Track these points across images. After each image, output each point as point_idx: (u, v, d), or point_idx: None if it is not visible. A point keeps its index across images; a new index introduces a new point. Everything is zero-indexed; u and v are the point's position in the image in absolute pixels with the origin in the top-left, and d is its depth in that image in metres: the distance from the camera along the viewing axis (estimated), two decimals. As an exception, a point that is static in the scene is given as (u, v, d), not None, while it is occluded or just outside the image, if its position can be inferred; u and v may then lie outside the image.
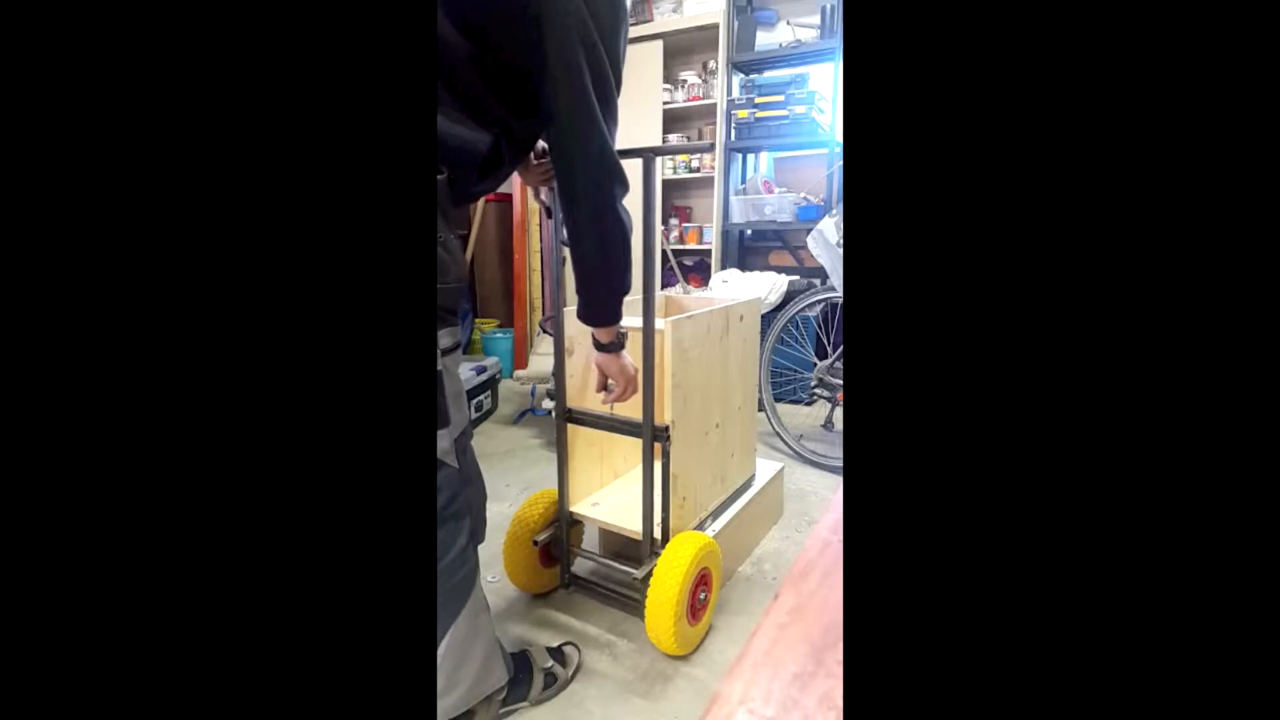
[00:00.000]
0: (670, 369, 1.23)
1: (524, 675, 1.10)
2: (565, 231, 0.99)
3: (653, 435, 1.23)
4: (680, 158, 3.46)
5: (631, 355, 1.17)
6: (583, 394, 1.40)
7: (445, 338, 0.90)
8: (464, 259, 1.24)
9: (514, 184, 3.21)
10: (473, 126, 0.88)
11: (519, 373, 3.14)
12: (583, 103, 0.87)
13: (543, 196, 1.26)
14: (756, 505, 1.62)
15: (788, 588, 0.60)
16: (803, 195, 3.10)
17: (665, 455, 1.25)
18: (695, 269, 3.52)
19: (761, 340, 2.11)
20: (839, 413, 2.29)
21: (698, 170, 3.44)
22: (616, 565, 1.36)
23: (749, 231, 3.43)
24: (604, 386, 1.20)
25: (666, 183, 3.49)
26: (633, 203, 0.96)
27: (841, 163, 2.81)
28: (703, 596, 1.25)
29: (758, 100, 3.06)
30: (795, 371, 2.49)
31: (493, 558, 1.42)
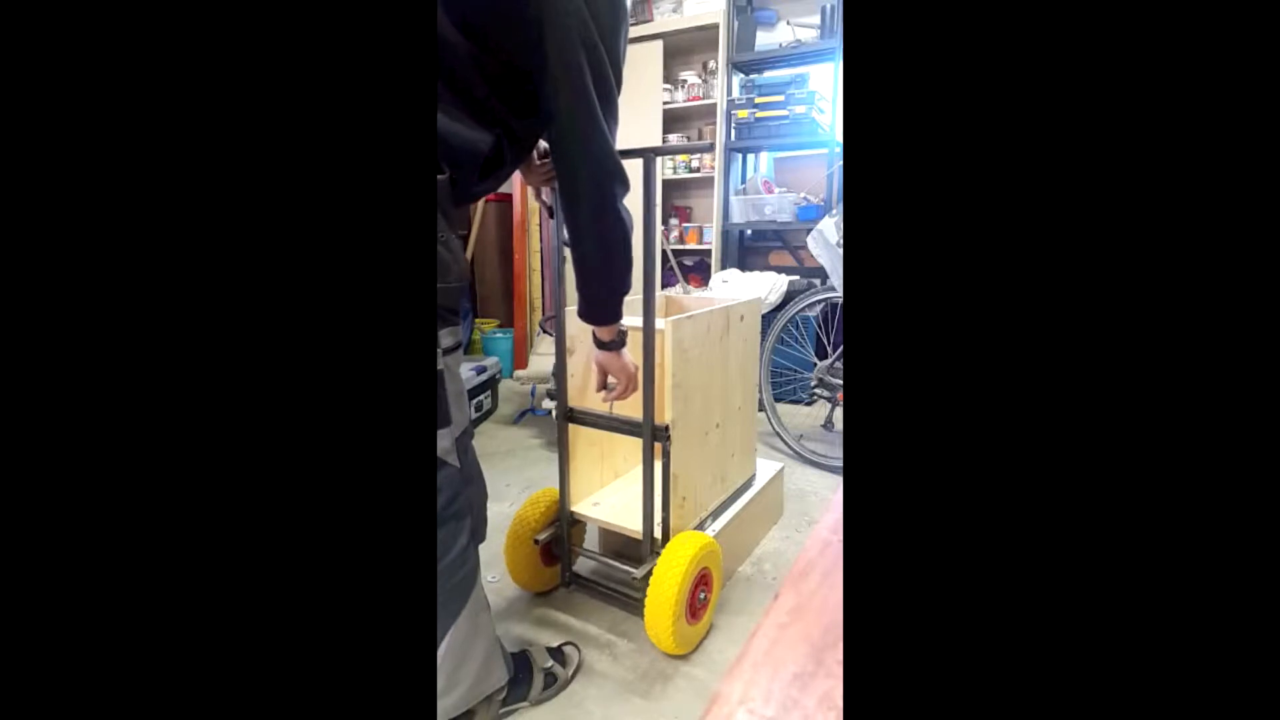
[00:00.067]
0: (671, 369, 1.23)
1: (524, 675, 1.10)
2: (566, 231, 0.99)
3: (653, 435, 1.23)
4: (680, 158, 3.46)
5: (632, 355, 1.17)
6: (583, 393, 1.40)
7: (446, 337, 0.90)
8: (465, 259, 1.23)
9: (514, 184, 3.21)
10: (474, 126, 0.88)
11: (519, 373, 3.14)
12: (583, 102, 0.87)
13: (544, 196, 1.26)
14: (756, 505, 1.63)
15: (788, 588, 0.60)
16: (803, 195, 3.10)
17: (665, 455, 1.25)
18: (695, 269, 3.52)
19: (761, 340, 2.11)
20: (839, 413, 2.29)
21: (698, 170, 3.44)
22: (617, 564, 1.36)
23: (749, 231, 3.43)
24: (604, 385, 1.20)
25: (666, 183, 3.49)
26: (633, 203, 0.96)
27: (841, 163, 2.81)
28: (703, 596, 1.25)
29: (758, 100, 3.06)
30: (795, 371, 2.48)
31: (493, 557, 1.42)
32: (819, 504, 1.89)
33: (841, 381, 2.17)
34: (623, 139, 0.94)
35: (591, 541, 1.56)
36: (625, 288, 1.05)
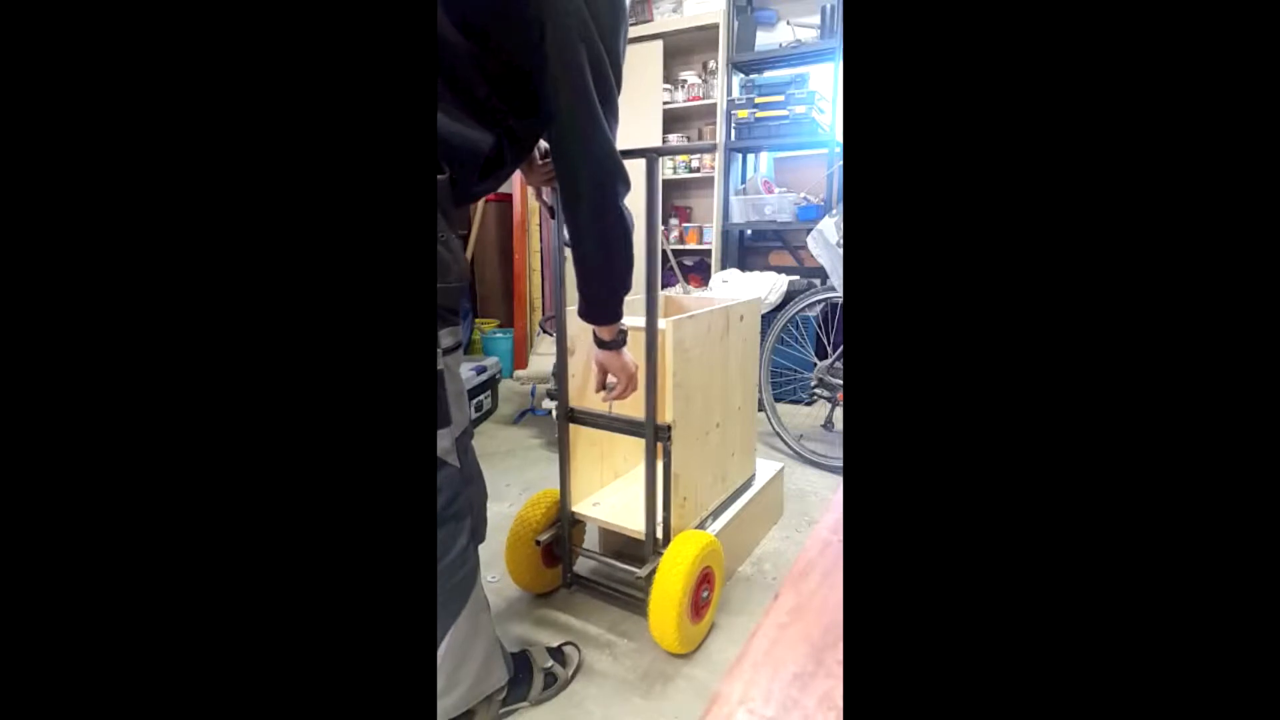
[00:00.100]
0: (672, 368, 1.23)
1: (524, 675, 1.10)
2: (567, 231, 0.99)
3: (655, 435, 1.23)
4: (680, 158, 3.46)
5: (633, 355, 1.17)
6: (584, 393, 1.40)
7: (446, 337, 0.90)
8: (465, 259, 1.23)
9: (514, 184, 3.21)
10: (474, 126, 0.88)
11: (519, 373, 3.14)
12: (584, 102, 0.87)
13: (544, 196, 1.26)
14: (756, 505, 1.63)
15: (788, 588, 0.60)
16: (803, 195, 3.10)
17: (667, 455, 1.25)
18: (695, 269, 3.52)
19: (761, 340, 2.11)
20: (839, 413, 2.29)
21: (698, 170, 3.44)
22: (619, 564, 1.36)
23: (749, 231, 3.43)
24: (604, 385, 1.20)
25: (666, 183, 3.49)
26: (635, 203, 0.96)
27: (841, 163, 2.81)
28: (705, 595, 1.25)
29: (758, 100, 3.06)
30: (795, 371, 2.48)
31: (493, 557, 1.42)
32: (819, 504, 1.89)
33: (841, 381, 2.17)
34: (623, 139, 0.94)
35: (591, 542, 1.56)
36: (626, 287, 1.05)
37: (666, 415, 1.25)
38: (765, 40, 3.19)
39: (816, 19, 3.02)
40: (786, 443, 2.24)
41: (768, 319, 2.28)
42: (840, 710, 0.45)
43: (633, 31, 3.10)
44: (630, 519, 1.36)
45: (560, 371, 1.32)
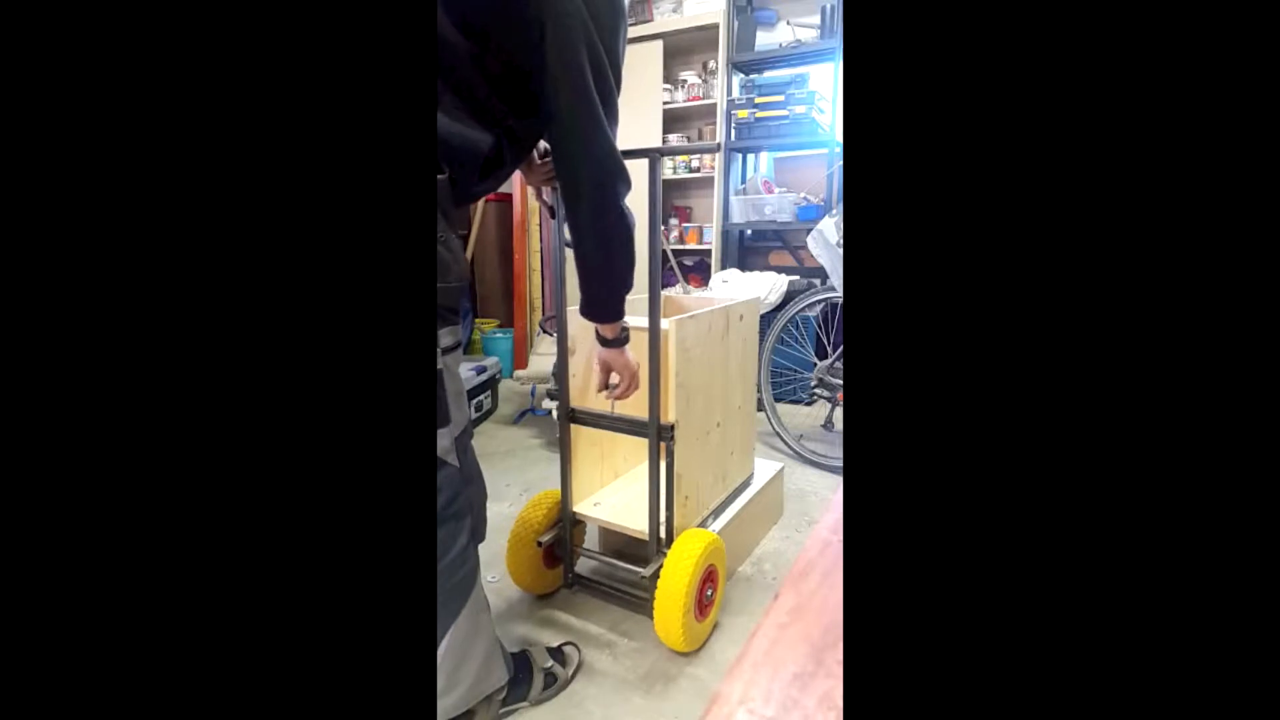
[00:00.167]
0: (674, 368, 1.23)
1: (524, 675, 1.10)
2: (568, 230, 0.99)
3: (658, 434, 1.23)
4: (680, 158, 3.46)
5: (634, 355, 1.17)
6: (585, 393, 1.40)
7: (446, 337, 0.90)
8: (465, 258, 1.23)
9: (514, 184, 3.21)
10: (474, 126, 0.88)
11: (519, 373, 3.14)
12: (585, 102, 0.87)
13: (544, 196, 1.26)
14: (757, 505, 1.63)
15: (788, 588, 0.60)
16: (803, 195, 3.10)
17: (669, 454, 1.25)
18: (695, 269, 3.52)
19: (761, 340, 2.11)
20: (839, 413, 2.29)
21: (698, 170, 3.44)
22: (621, 564, 1.36)
23: (749, 231, 3.43)
24: (606, 384, 1.20)
25: (666, 183, 3.49)
26: (637, 203, 0.96)
27: (841, 163, 2.81)
28: (709, 593, 1.25)
29: (758, 100, 3.06)
30: (795, 371, 2.48)
31: (493, 557, 1.42)
32: (819, 504, 1.89)
33: (841, 381, 2.17)
34: (623, 139, 0.94)
35: (591, 541, 1.56)
36: (627, 286, 1.05)
37: (669, 415, 1.25)
38: (765, 40, 3.19)
39: (816, 19, 3.02)
40: (786, 443, 2.24)
41: (768, 319, 2.28)
42: (840, 710, 0.45)
43: (633, 31, 3.10)
44: (632, 519, 1.36)
45: (561, 371, 1.32)
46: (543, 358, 3.15)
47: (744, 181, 3.35)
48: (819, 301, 2.22)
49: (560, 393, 1.33)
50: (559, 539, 1.39)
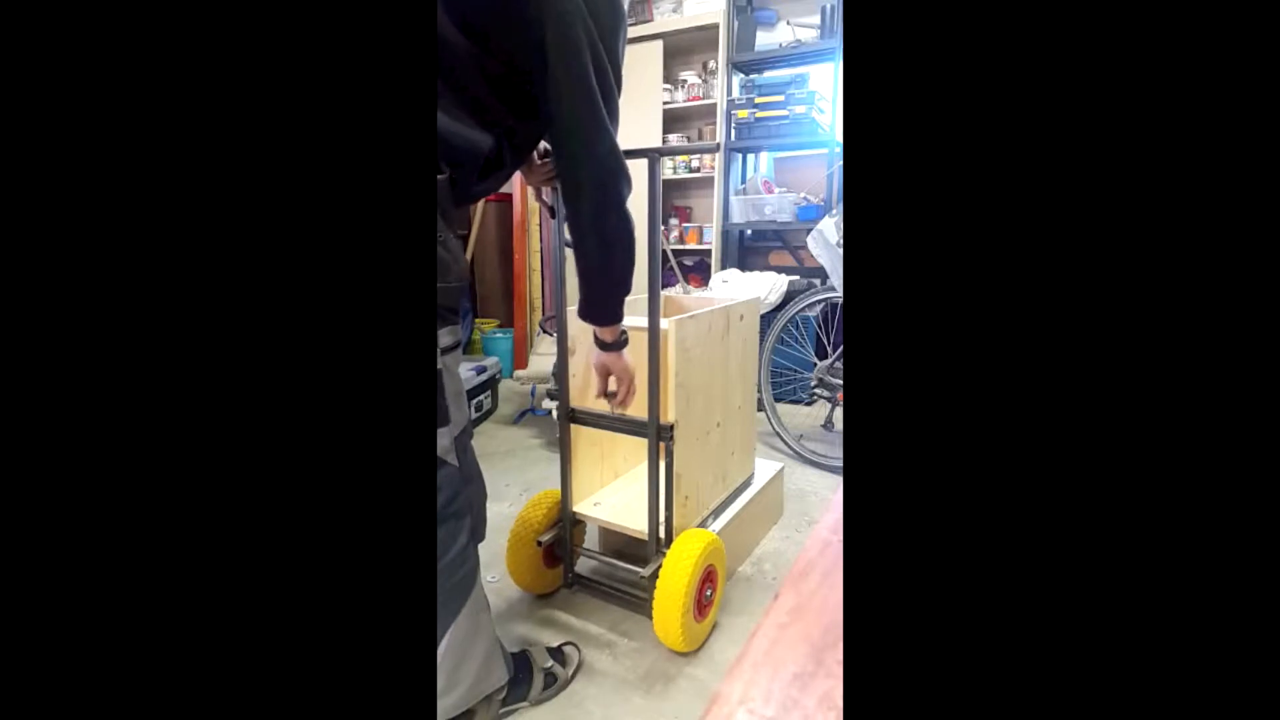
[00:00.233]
0: (674, 368, 1.23)
1: (524, 675, 1.10)
2: (568, 230, 0.99)
3: (658, 434, 1.23)
4: (680, 158, 3.46)
5: (634, 355, 1.17)
6: (585, 393, 1.40)
7: (446, 336, 0.90)
8: (465, 258, 1.24)
9: (514, 184, 3.21)
10: (474, 126, 0.88)
11: (519, 373, 3.14)
12: (587, 101, 0.87)
13: (544, 196, 1.26)
14: (756, 505, 1.63)
15: (788, 588, 0.60)
16: (803, 195, 3.10)
17: (669, 454, 1.25)
18: (695, 269, 3.52)
19: (761, 340, 2.11)
20: (839, 413, 2.29)
21: (698, 170, 3.44)
22: (621, 564, 1.36)
23: (749, 231, 3.43)
24: (605, 389, 1.19)
25: (666, 183, 3.49)
26: (637, 203, 0.96)
27: (841, 163, 2.81)
28: (709, 593, 1.25)
29: (758, 100, 3.06)
30: (795, 371, 2.48)
31: (493, 557, 1.42)
32: (819, 504, 1.89)
33: (841, 381, 2.17)
34: (623, 139, 0.94)
35: (591, 541, 1.56)
36: (626, 288, 1.05)
37: (669, 415, 1.25)
38: (765, 40, 3.19)
39: (816, 19, 3.02)
40: (786, 443, 2.24)
41: (768, 319, 2.28)
42: (840, 710, 0.45)
43: (633, 31, 3.10)
44: (632, 519, 1.36)
45: (561, 371, 1.32)
46: (543, 358, 3.15)
47: (744, 181, 3.35)
48: (819, 301, 2.22)
49: (560, 393, 1.33)
50: (559, 539, 1.39)
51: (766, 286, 2.67)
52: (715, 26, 3.14)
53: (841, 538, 0.67)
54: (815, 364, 2.24)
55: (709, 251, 3.37)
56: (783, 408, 2.49)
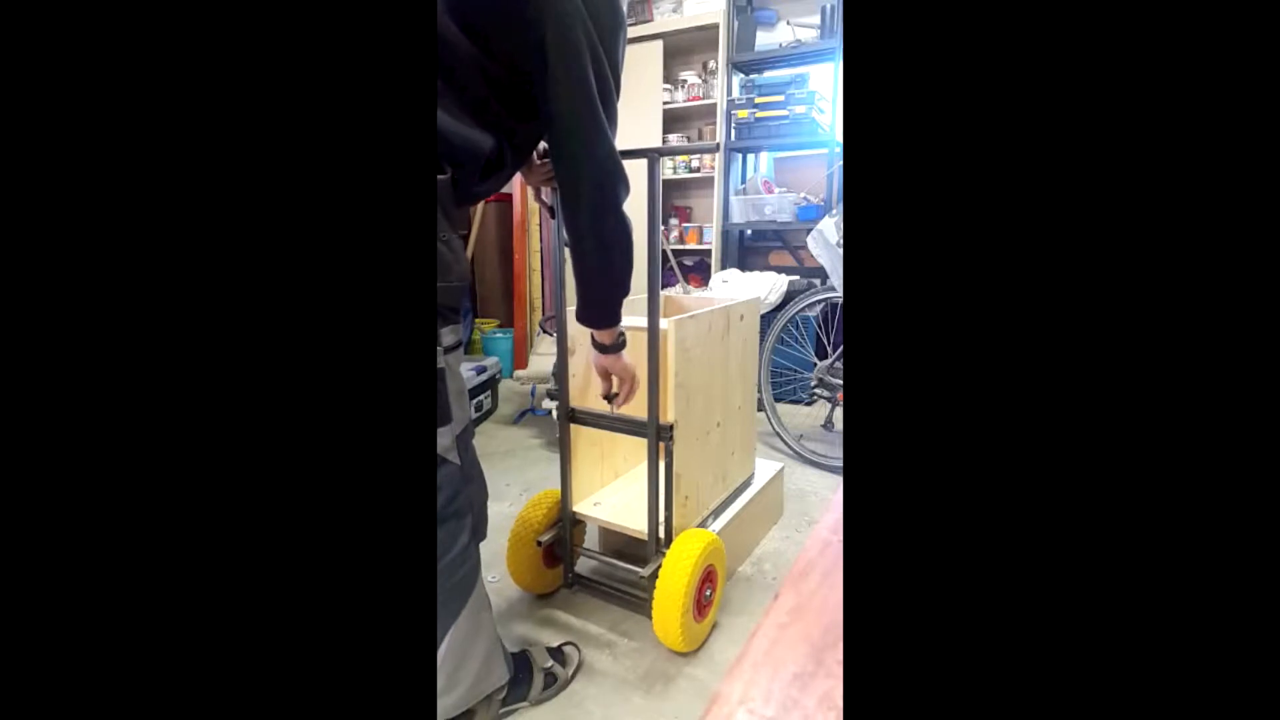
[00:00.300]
0: (674, 368, 1.23)
1: (524, 675, 1.10)
2: (566, 232, 0.99)
3: (657, 434, 1.23)
4: (680, 158, 3.46)
5: (634, 355, 1.17)
6: (585, 393, 1.40)
7: (447, 335, 0.90)
8: (466, 258, 1.24)
9: (514, 184, 3.21)
10: (475, 127, 0.88)
11: (519, 373, 3.14)
12: (586, 103, 0.87)
13: (544, 196, 1.26)
14: (756, 505, 1.63)
15: (788, 588, 0.60)
16: (803, 195, 3.10)
17: (669, 454, 1.25)
18: (695, 269, 3.52)
19: (761, 340, 2.11)
20: (839, 413, 2.29)
21: (698, 170, 3.44)
22: (621, 564, 1.36)
23: (749, 231, 3.43)
24: (609, 392, 1.18)
25: (666, 183, 3.49)
26: (636, 203, 0.96)
27: (841, 163, 2.81)
28: (708, 593, 1.25)
29: (758, 100, 3.06)
30: (795, 371, 2.49)
31: (493, 557, 1.42)
32: (819, 504, 1.90)
33: (841, 381, 2.17)
34: (622, 139, 0.94)
35: (591, 541, 1.56)
36: (624, 291, 1.04)
37: (668, 415, 1.25)
38: (765, 40, 3.19)
39: (816, 19, 3.02)
40: (786, 443, 2.24)
41: (768, 319, 2.28)
42: (840, 710, 0.46)
43: (633, 31, 3.10)
44: (631, 519, 1.36)
45: (560, 371, 1.32)
46: (543, 358, 3.15)
47: (744, 181, 3.35)
48: (819, 301, 2.22)
49: (560, 393, 1.33)
50: (559, 539, 1.39)
51: (766, 286, 2.67)
52: (715, 26, 3.14)
53: (841, 538, 0.67)
54: (815, 364, 2.24)
55: (709, 251, 3.37)
56: (783, 408, 2.49)
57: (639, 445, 1.44)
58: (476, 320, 3.56)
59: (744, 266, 3.18)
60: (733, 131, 3.18)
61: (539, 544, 1.34)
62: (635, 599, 1.34)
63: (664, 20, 3.30)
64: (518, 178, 1.03)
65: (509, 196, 3.30)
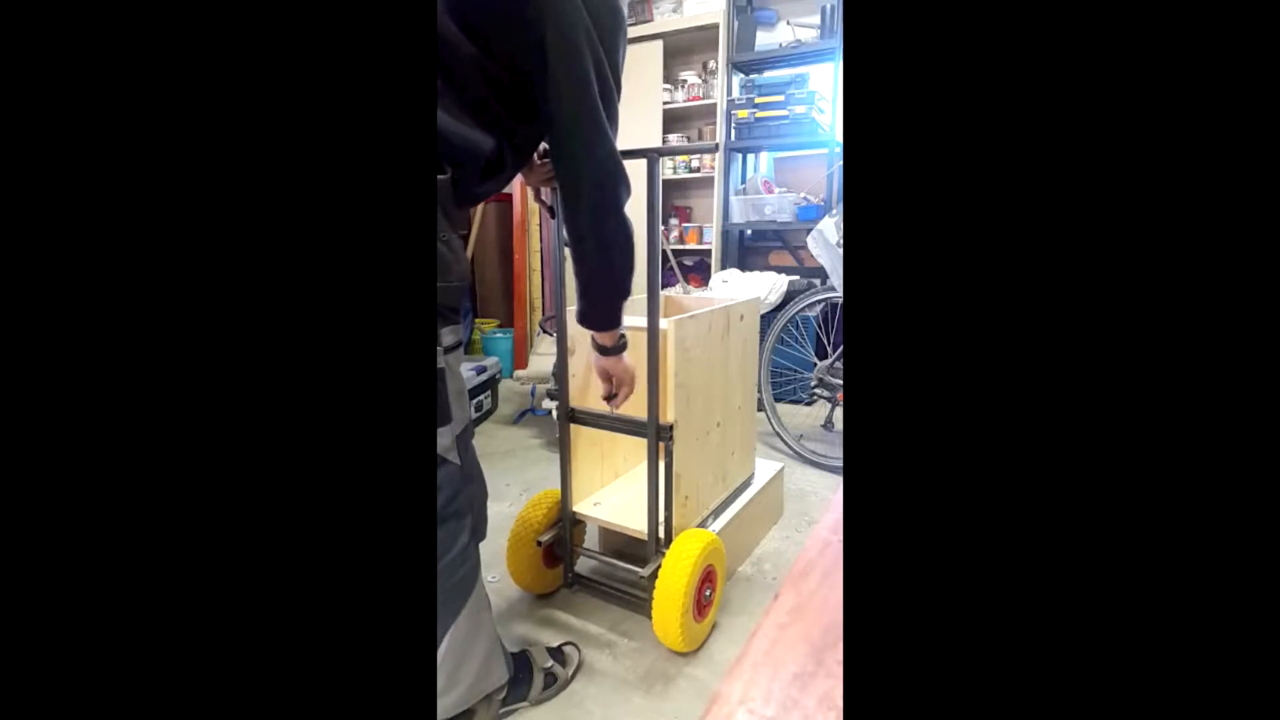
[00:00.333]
0: (673, 368, 1.23)
1: (524, 675, 1.10)
2: (567, 233, 0.99)
3: (657, 434, 1.23)
4: (680, 158, 3.47)
5: (634, 355, 1.17)
6: (584, 393, 1.40)
7: (448, 335, 0.90)
8: (466, 258, 1.24)
9: (514, 184, 3.21)
10: (476, 128, 0.88)
11: (519, 373, 3.14)
12: (587, 103, 0.87)
13: (544, 196, 1.26)
14: (756, 505, 1.63)
15: (788, 588, 0.60)
16: (803, 195, 3.10)
17: (668, 454, 1.25)
18: (695, 269, 3.52)
19: (761, 340, 2.11)
20: (839, 413, 2.29)
21: (698, 170, 3.44)
22: (621, 564, 1.36)
23: (749, 231, 3.43)
24: (611, 393, 1.18)
25: (666, 183, 3.49)
26: (636, 203, 0.96)
27: (841, 163, 2.81)
28: (708, 593, 1.25)
29: (758, 100, 3.06)
30: (795, 371, 2.49)
31: (494, 557, 1.42)
32: (819, 504, 1.90)
33: (841, 381, 2.17)
34: (622, 139, 0.94)
35: (591, 541, 1.56)
36: (625, 292, 1.04)
37: (668, 415, 1.25)
38: (765, 40, 3.19)
39: (816, 19, 3.02)
40: (786, 443, 2.24)
41: (768, 319, 2.28)
42: (840, 710, 0.46)
43: (633, 31, 3.10)
44: (631, 519, 1.36)
45: (560, 371, 1.32)
46: (543, 358, 3.15)
47: (744, 181, 3.35)
48: (819, 301, 2.22)
49: (560, 393, 1.33)
50: (559, 539, 1.39)
51: (766, 286, 2.67)
52: (715, 26, 3.14)
53: (841, 538, 0.67)
54: (815, 364, 2.24)
55: (709, 251, 3.37)
56: (783, 408, 2.49)
57: (639, 445, 1.44)
58: (476, 320, 3.56)
59: (744, 266, 3.18)
60: (733, 131, 3.18)
61: (539, 544, 1.34)
62: (635, 599, 1.34)
63: (664, 20, 3.30)
64: (517, 177, 1.02)
65: (509, 196, 3.30)
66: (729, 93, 3.21)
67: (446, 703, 0.94)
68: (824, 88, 3.04)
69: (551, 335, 2.89)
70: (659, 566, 1.20)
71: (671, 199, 3.61)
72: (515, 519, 1.37)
